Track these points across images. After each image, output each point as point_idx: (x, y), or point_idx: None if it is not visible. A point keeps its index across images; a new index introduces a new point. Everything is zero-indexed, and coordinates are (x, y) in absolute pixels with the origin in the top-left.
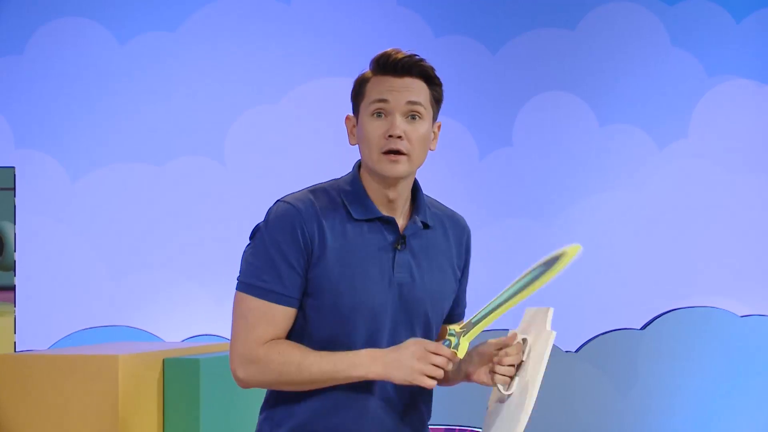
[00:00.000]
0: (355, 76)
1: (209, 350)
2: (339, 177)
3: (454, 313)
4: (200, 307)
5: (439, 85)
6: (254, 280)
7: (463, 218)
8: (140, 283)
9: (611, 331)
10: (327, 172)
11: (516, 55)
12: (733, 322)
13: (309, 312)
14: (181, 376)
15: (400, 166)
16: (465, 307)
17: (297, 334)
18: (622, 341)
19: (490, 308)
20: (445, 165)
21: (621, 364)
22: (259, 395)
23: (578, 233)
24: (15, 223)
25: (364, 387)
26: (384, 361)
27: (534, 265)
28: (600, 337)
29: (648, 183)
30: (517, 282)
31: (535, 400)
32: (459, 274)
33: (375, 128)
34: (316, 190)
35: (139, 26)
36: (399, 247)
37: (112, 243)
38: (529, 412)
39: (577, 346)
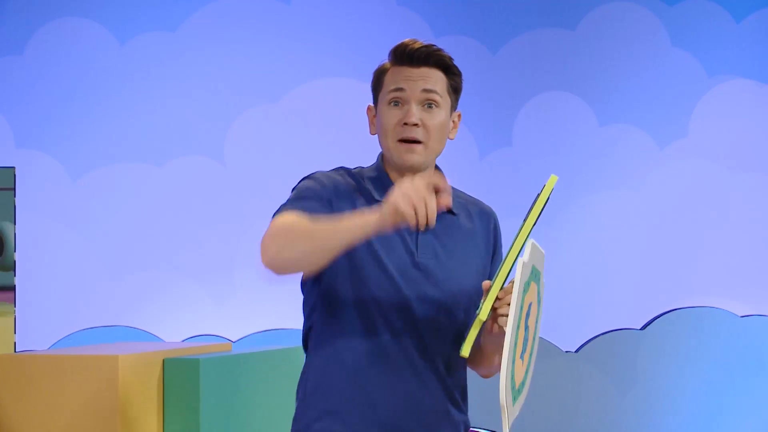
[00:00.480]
0: (356, 76)
1: (209, 350)
2: (363, 167)
3: None
4: (200, 307)
5: (458, 74)
6: (287, 205)
7: (487, 205)
8: (140, 283)
9: (611, 331)
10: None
11: (516, 55)
12: (734, 322)
13: (336, 279)
14: (181, 376)
15: (416, 156)
16: None
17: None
18: (622, 341)
19: (500, 265)
20: (445, 165)
21: (621, 364)
22: (258, 396)
23: (578, 233)
24: (15, 223)
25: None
26: (382, 208)
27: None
28: (600, 337)
29: (648, 183)
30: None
31: (512, 324)
32: (489, 256)
33: (391, 117)
34: (344, 172)
35: (139, 26)
36: (422, 229)
37: (112, 243)
38: (509, 338)
39: (577, 346)
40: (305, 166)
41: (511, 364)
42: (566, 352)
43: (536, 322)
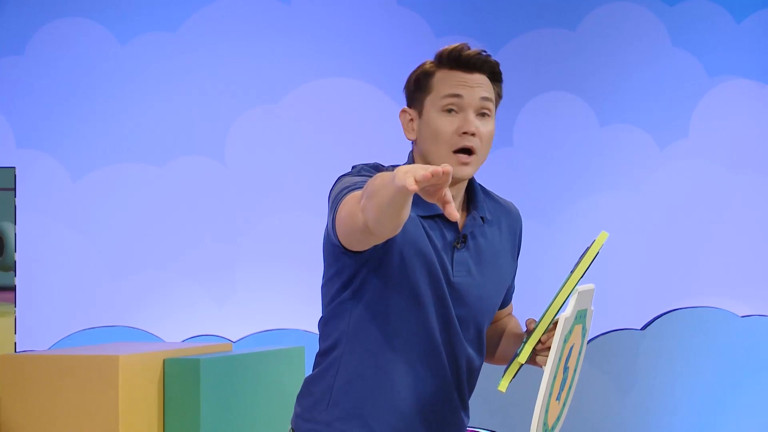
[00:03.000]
0: (356, 76)
1: (209, 350)
2: (396, 165)
3: (505, 299)
4: (200, 307)
5: (501, 82)
6: (344, 191)
7: (513, 205)
8: (141, 284)
9: (612, 331)
10: (328, 172)
11: (517, 55)
12: (734, 323)
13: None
14: (181, 377)
15: (469, 168)
16: (513, 291)
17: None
18: (622, 341)
19: (545, 311)
20: None
21: (621, 364)
22: (259, 396)
23: (578, 233)
24: (15, 224)
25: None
26: (398, 170)
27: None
28: (600, 337)
29: (648, 183)
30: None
31: (546, 382)
32: (515, 264)
33: (446, 124)
34: (386, 169)
35: (140, 26)
36: (458, 245)
37: (112, 243)
38: (543, 394)
39: None
40: (306, 167)
41: (544, 411)
42: None
43: (578, 358)
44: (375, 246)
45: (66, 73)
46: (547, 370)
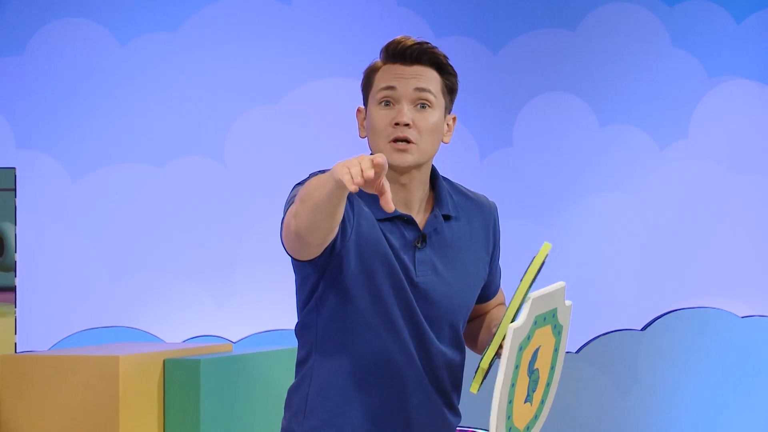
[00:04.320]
0: (356, 77)
1: (210, 351)
2: None
3: (486, 294)
4: (201, 307)
5: (453, 74)
6: (290, 201)
7: (486, 198)
8: (141, 284)
9: (612, 331)
10: None
11: (517, 55)
12: (734, 323)
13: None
14: (181, 377)
15: (408, 156)
16: (498, 286)
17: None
18: (622, 342)
19: (501, 319)
20: (446, 165)
21: (621, 364)
22: (259, 397)
23: (578, 233)
24: (15, 224)
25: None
26: (336, 165)
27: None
28: (600, 337)
29: (648, 183)
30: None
31: (500, 384)
32: (488, 258)
33: (382, 117)
34: None
35: (140, 27)
36: (419, 245)
37: (112, 243)
38: (497, 395)
39: (578, 347)
40: (306, 167)
41: (504, 418)
42: (567, 352)
43: (554, 356)
44: (330, 255)
45: (66, 73)
46: (500, 379)
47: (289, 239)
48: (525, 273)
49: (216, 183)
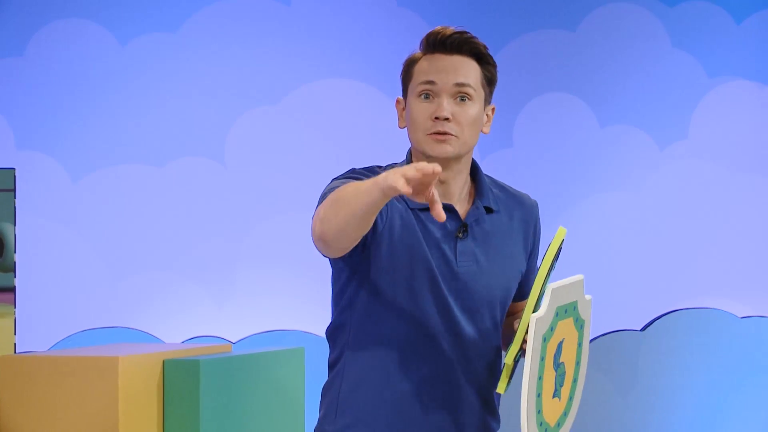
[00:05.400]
0: (356, 77)
1: (209, 351)
2: (394, 164)
3: (521, 292)
4: (200, 308)
5: (493, 64)
6: (323, 197)
7: (528, 197)
8: (140, 285)
9: (611, 332)
10: (328, 173)
11: (516, 56)
12: (734, 324)
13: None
14: (181, 378)
15: (448, 147)
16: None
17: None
18: (622, 342)
19: (523, 313)
20: None
21: (621, 365)
22: (259, 397)
23: (578, 234)
24: (15, 225)
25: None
26: (387, 173)
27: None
28: (600, 338)
29: (648, 184)
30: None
31: (528, 375)
32: (526, 255)
33: (421, 110)
34: (378, 169)
35: (140, 27)
36: (461, 235)
37: (112, 244)
38: (525, 388)
39: None
40: (306, 168)
41: (534, 413)
42: None
43: (578, 351)
44: (362, 251)
45: (66, 74)
46: (526, 371)
47: (314, 240)
48: (542, 260)
49: (216, 183)
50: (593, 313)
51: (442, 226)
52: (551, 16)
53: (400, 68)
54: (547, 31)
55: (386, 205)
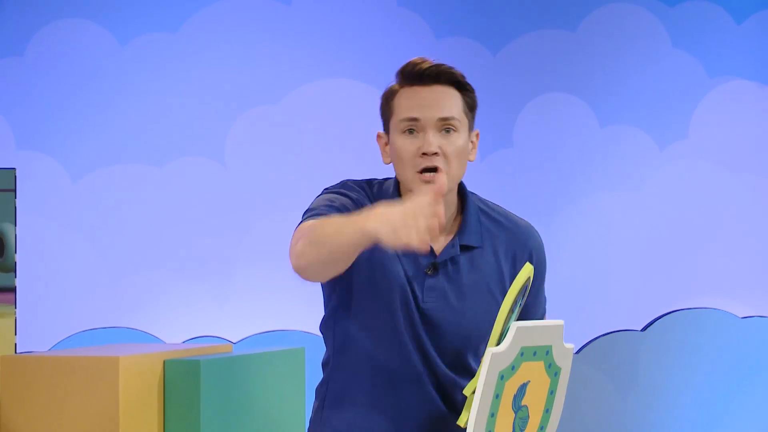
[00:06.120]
0: (356, 77)
1: (210, 352)
2: (385, 182)
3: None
4: (201, 308)
5: (472, 90)
6: (308, 213)
7: (525, 226)
8: (141, 285)
9: (612, 332)
10: (328, 173)
11: (517, 56)
12: (734, 324)
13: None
14: (181, 378)
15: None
16: (537, 315)
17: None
18: (622, 343)
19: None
20: None
21: (622, 365)
22: (259, 397)
23: (578, 234)
24: (16, 225)
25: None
26: (376, 214)
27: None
28: (600, 338)
29: (648, 184)
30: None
31: (475, 408)
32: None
33: (407, 146)
34: (372, 186)
35: (140, 27)
36: (429, 272)
37: (112, 244)
38: (472, 421)
39: (578, 348)
40: (306, 167)
41: None
42: None
43: (547, 402)
44: (344, 275)
45: (66, 74)
46: (475, 403)
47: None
48: (505, 296)
49: (216, 183)
50: (593, 313)
51: (415, 259)
52: (551, 16)
53: (381, 96)
54: (547, 31)
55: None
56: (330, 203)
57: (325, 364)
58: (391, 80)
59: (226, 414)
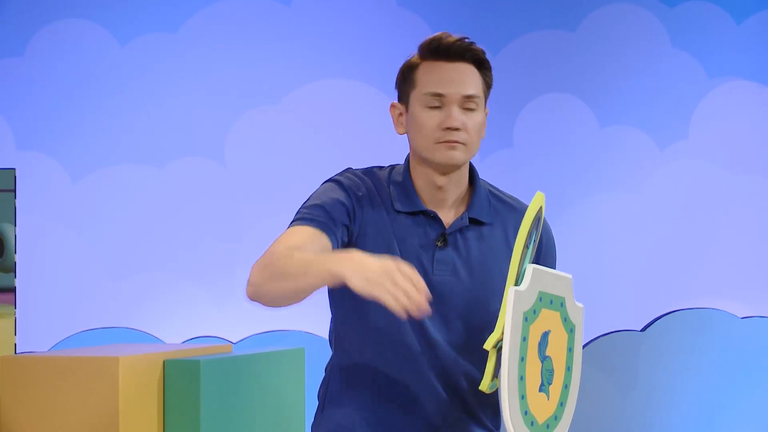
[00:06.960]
0: (356, 78)
1: (210, 352)
2: (395, 167)
3: None
4: (201, 308)
5: (490, 69)
6: (295, 215)
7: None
8: (141, 285)
9: (612, 332)
10: (327, 173)
11: (516, 56)
12: (734, 324)
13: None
14: (181, 378)
15: (458, 153)
16: None
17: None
18: (622, 343)
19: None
20: None
21: (621, 365)
22: (259, 398)
23: (578, 234)
24: (15, 225)
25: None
26: (350, 259)
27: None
28: (600, 338)
29: (648, 184)
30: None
31: (507, 357)
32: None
33: (430, 118)
34: (374, 173)
35: (140, 27)
36: (440, 244)
37: (112, 244)
38: (506, 373)
39: None
40: (306, 168)
41: (516, 392)
42: None
43: (568, 354)
44: (351, 230)
45: (66, 74)
46: (506, 345)
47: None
48: (518, 230)
49: (216, 184)
50: (593, 313)
51: (424, 233)
52: (551, 16)
53: (400, 68)
54: (547, 31)
55: (357, 211)
56: (313, 213)
57: (328, 364)
58: (391, 80)
59: (226, 414)
